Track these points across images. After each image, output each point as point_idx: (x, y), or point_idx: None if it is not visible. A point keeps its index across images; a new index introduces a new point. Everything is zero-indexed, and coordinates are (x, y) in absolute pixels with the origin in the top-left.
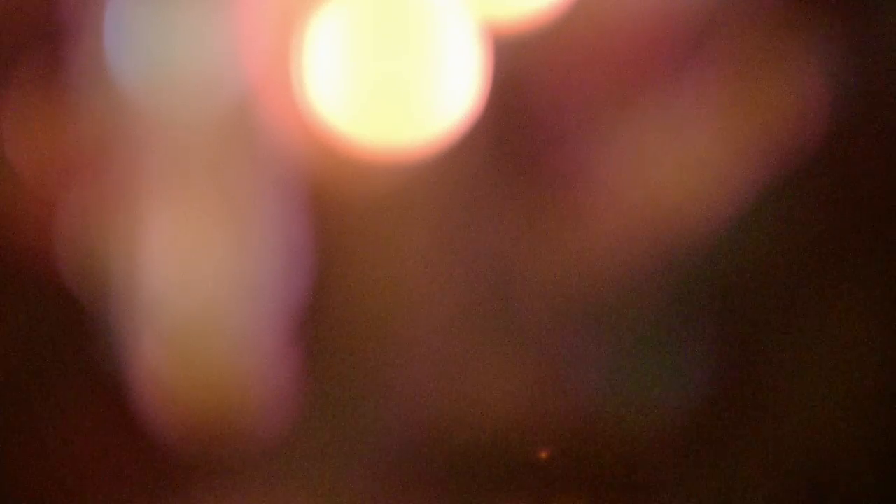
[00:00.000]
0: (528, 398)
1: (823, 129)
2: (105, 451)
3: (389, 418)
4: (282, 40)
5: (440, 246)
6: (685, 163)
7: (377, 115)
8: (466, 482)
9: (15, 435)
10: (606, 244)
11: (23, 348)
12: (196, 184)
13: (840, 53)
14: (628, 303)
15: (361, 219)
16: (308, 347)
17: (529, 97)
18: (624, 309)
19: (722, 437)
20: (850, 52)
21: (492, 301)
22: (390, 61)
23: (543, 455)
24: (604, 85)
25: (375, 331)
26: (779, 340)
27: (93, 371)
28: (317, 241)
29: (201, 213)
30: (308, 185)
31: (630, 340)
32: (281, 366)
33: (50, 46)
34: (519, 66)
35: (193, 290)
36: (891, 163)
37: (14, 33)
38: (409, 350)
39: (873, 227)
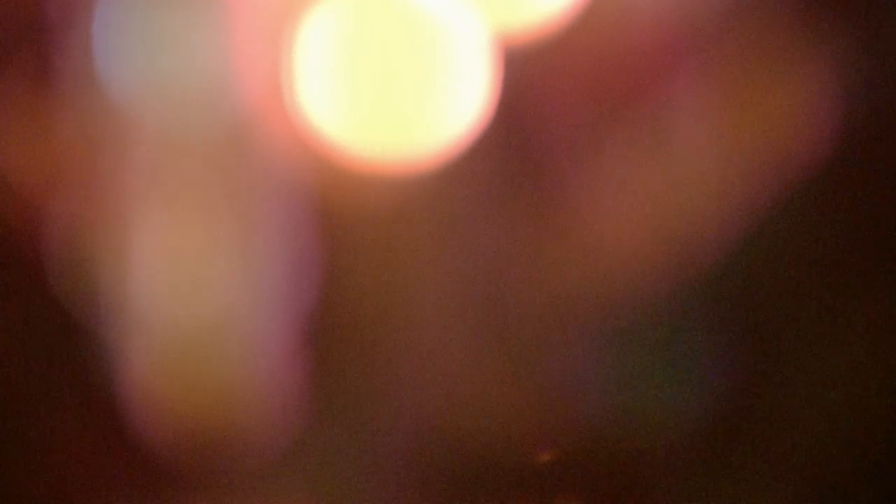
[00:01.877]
0: (531, 404)
1: (833, 135)
2: (104, 463)
3: (393, 425)
4: (281, 46)
5: (445, 257)
6: (694, 171)
7: (383, 126)
8: (471, 488)
9: (8, 446)
10: (613, 254)
11: (14, 357)
12: (189, 190)
13: (849, 58)
14: (632, 310)
15: (366, 229)
16: (311, 357)
17: (536, 107)
18: (627, 316)
19: (725, 441)
20: (859, 56)
21: (495, 310)
22: (398, 72)
23: (545, 458)
24: (611, 94)
25: (379, 340)
26: (781, 346)
27: (89, 381)
28: (320, 252)
29: (194, 219)
30: (311, 195)
31: (632, 347)
32: (284, 375)
33: (39, 51)
34: (526, 76)
35: (187, 298)
36: None
37: (3, 37)
38: (413, 358)
39: (885, 232)
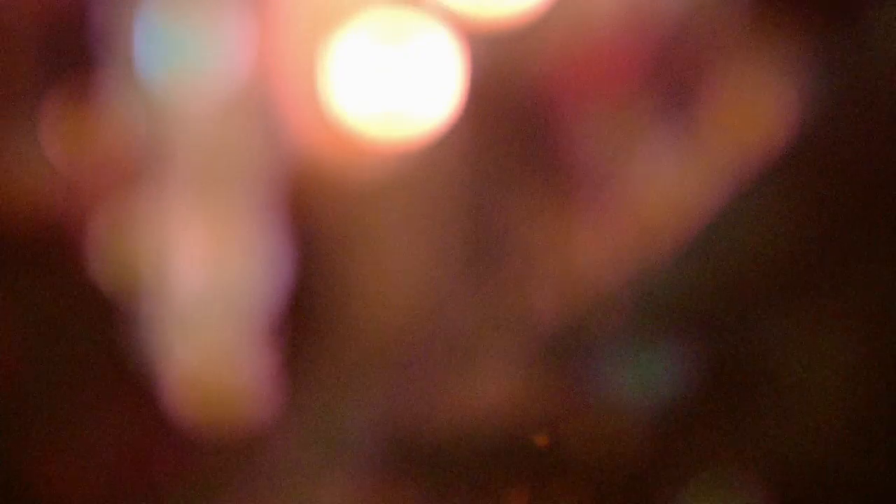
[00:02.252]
0: (524, 388)
1: (810, 133)
2: (109, 438)
3: (385, 407)
4: (288, 43)
5: (427, 237)
6: (663, 159)
7: (364, 110)
8: (459, 473)
9: (33, 423)
10: (593, 234)
11: (52, 338)
12: (216, 181)
13: (827, 56)
14: (622, 295)
15: (346, 211)
16: (306, 336)
17: (512, 93)
18: (618, 302)
19: (716, 429)
20: (837, 54)
21: (483, 292)
22: (378, 58)
23: (540, 443)
24: (589, 82)
25: (372, 318)
26: (773, 337)
27: (113, 362)
28: (315, 234)
29: (225, 212)
30: (309, 181)
31: (624, 334)
32: (280, 355)
33: (84, 53)
34: (500, 64)
35: (216, 286)
36: (877, 165)
37: (50, 40)
38: (405, 339)
39: (862, 231)
